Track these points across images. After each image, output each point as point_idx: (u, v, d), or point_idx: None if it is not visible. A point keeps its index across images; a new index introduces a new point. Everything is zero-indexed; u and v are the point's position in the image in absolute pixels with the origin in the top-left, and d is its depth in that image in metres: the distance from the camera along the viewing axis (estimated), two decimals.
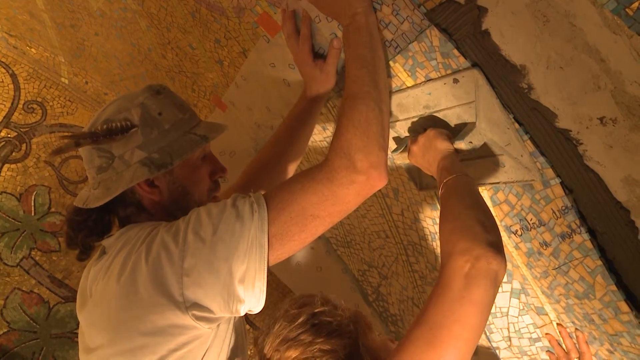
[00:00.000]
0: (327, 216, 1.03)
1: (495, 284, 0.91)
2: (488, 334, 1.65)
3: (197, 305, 1.00)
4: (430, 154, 1.23)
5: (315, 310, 1.09)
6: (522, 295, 1.51)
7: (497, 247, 0.93)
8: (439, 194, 1.12)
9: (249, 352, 1.05)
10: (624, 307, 1.14)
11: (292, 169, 1.55)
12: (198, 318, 1.00)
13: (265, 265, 1.00)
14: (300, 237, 1.03)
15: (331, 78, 1.38)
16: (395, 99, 1.32)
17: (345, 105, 1.09)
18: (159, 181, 1.18)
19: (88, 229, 1.22)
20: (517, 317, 1.57)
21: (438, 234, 1.06)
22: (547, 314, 1.46)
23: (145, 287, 1.03)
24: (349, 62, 1.14)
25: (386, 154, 1.06)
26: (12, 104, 2.61)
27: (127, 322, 1.07)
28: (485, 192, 1.33)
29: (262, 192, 1.06)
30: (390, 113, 1.38)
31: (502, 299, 1.57)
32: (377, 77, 1.11)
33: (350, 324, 1.09)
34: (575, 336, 1.40)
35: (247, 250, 0.98)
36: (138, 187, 1.17)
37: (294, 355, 1.04)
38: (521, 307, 1.53)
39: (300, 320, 1.08)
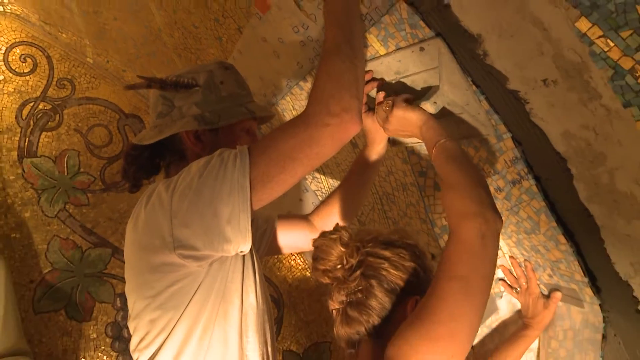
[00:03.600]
0: (305, 158, 0.99)
1: (498, 241, 0.93)
2: None
3: (184, 245, 0.98)
4: (407, 127, 1.20)
5: (421, 248, 1.09)
6: None
7: (497, 209, 0.95)
8: (431, 155, 1.10)
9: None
10: (562, 239, 1.16)
11: (355, 210, 1.52)
12: (185, 257, 0.99)
13: (249, 205, 0.97)
14: (280, 178, 0.99)
15: (383, 129, 1.34)
16: (370, 66, 1.30)
17: (321, 60, 1.06)
18: (205, 137, 1.18)
19: (139, 165, 1.24)
20: None
21: (444, 195, 1.04)
22: (500, 249, 1.48)
23: (143, 230, 1.04)
24: (327, 25, 1.10)
25: (359, 103, 1.03)
26: (47, 81, 2.62)
27: (133, 262, 1.10)
28: None
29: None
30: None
31: None
32: (352, 38, 1.07)
33: (432, 276, 1.07)
34: (524, 265, 1.42)
35: (230, 193, 0.96)
36: (186, 137, 1.17)
37: (387, 255, 1.03)
38: None
39: (409, 241, 1.07)
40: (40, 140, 2.54)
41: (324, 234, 1.08)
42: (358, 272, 1.01)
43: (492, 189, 1.29)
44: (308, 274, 2.75)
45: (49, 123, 2.57)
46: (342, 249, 1.03)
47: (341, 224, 1.43)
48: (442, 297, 0.85)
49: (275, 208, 1.55)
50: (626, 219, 0.98)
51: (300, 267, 2.77)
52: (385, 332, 1.00)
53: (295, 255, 2.77)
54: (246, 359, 1.10)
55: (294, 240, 1.49)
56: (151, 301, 1.05)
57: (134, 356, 1.12)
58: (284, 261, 2.76)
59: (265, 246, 1.44)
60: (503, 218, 1.32)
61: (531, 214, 1.20)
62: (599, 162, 0.96)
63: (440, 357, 0.81)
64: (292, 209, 2.52)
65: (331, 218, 1.46)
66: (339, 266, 1.03)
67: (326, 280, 1.07)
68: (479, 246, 0.89)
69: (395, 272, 1.01)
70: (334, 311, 1.07)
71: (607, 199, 1.00)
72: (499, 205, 1.30)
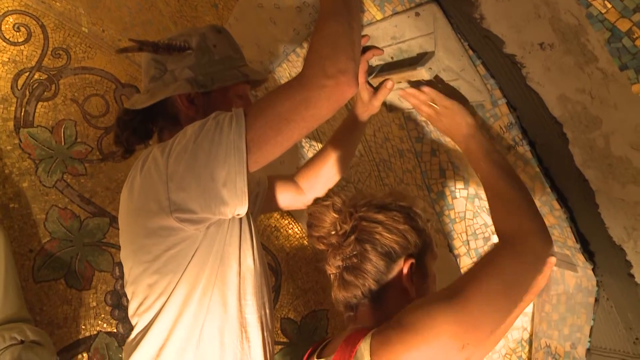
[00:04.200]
0: (301, 120, 0.99)
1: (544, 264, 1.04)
2: (450, 241, 1.67)
3: (181, 208, 0.98)
4: (453, 125, 1.18)
5: (415, 209, 1.09)
6: (476, 200, 1.53)
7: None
8: (477, 168, 1.12)
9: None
10: (556, 205, 1.17)
11: (338, 174, 1.51)
12: (182, 220, 1.00)
13: (244, 167, 0.97)
14: (276, 140, 0.99)
15: (375, 107, 1.36)
16: (367, 31, 1.28)
17: (317, 23, 1.05)
18: (198, 100, 1.18)
19: (132, 130, 1.23)
20: (472, 219, 1.59)
21: (498, 204, 1.06)
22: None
23: (138, 195, 1.04)
24: None
25: (355, 65, 1.02)
26: (42, 50, 2.58)
27: (129, 227, 1.11)
28: None
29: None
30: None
31: (459, 204, 1.59)
32: (349, 0, 1.06)
33: (427, 238, 1.08)
34: None
35: (226, 155, 0.96)
36: (179, 101, 1.16)
37: (380, 219, 1.03)
38: (475, 210, 1.56)
39: (403, 203, 1.07)
40: (37, 110, 2.53)
41: (316, 201, 1.08)
42: (352, 238, 1.02)
43: None
44: (305, 242, 2.78)
45: (45, 93, 2.56)
46: (335, 215, 1.04)
47: (324, 185, 1.46)
48: (481, 290, 0.86)
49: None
50: (621, 183, 0.99)
51: (297, 236, 2.79)
52: (382, 294, 1.01)
53: (293, 223, 2.79)
54: (245, 322, 1.12)
55: (281, 201, 1.52)
56: (148, 266, 1.06)
57: (133, 321, 1.14)
58: (282, 230, 2.78)
59: (258, 209, 1.45)
60: None
61: (526, 179, 1.21)
62: (595, 126, 0.96)
63: (456, 341, 0.82)
64: None
65: (315, 179, 1.48)
66: (332, 232, 1.04)
67: (321, 247, 1.08)
68: (531, 263, 0.93)
69: (389, 236, 1.01)
70: (331, 275, 1.08)
71: (602, 164, 1.00)
72: None
